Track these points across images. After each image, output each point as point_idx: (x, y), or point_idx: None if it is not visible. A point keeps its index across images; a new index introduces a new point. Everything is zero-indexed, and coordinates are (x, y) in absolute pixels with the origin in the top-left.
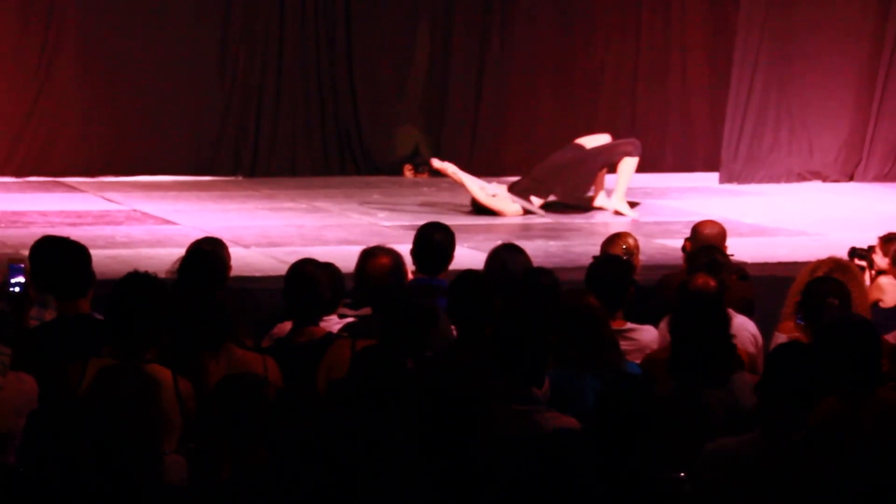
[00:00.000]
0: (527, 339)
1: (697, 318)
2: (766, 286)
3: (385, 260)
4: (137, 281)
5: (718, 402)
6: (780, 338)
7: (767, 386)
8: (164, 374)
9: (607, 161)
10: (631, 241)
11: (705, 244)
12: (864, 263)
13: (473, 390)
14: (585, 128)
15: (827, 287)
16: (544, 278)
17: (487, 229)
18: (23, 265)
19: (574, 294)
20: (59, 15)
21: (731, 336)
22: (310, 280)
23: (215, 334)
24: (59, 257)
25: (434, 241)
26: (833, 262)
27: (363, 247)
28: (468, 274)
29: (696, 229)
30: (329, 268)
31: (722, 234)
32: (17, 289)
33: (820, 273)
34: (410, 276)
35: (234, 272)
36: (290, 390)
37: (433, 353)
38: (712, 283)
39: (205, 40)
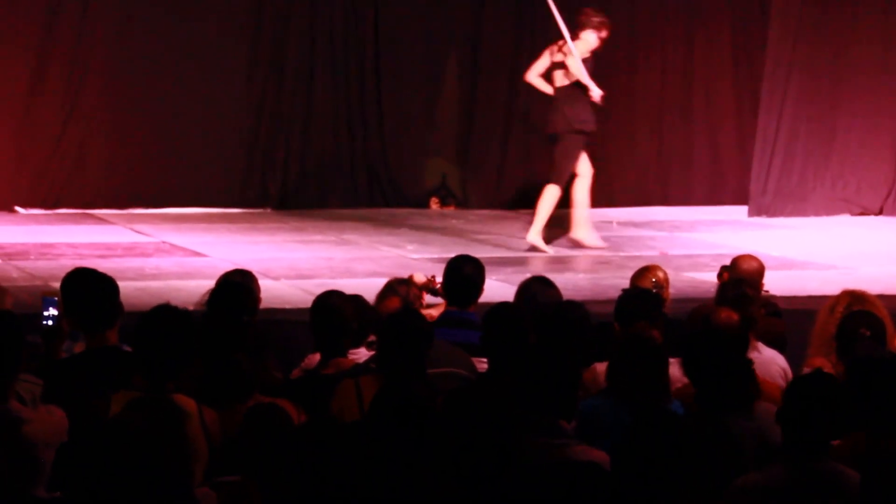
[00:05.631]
0: (556, 372)
1: (713, 349)
2: (795, 320)
3: (395, 302)
4: (166, 314)
5: (745, 433)
6: None
7: (788, 417)
8: (189, 404)
9: None
10: (661, 274)
11: (741, 278)
12: None
13: (504, 423)
14: (612, 160)
15: (858, 319)
16: (574, 311)
17: (517, 262)
18: (56, 298)
19: (639, 327)
20: (86, 47)
21: (750, 362)
22: (335, 312)
23: (240, 393)
24: (86, 289)
25: (464, 274)
26: (850, 296)
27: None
28: (502, 306)
29: (735, 263)
30: (355, 299)
31: (760, 270)
32: (49, 322)
33: (840, 308)
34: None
35: (263, 304)
36: (318, 422)
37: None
38: (735, 317)
39: (234, 72)
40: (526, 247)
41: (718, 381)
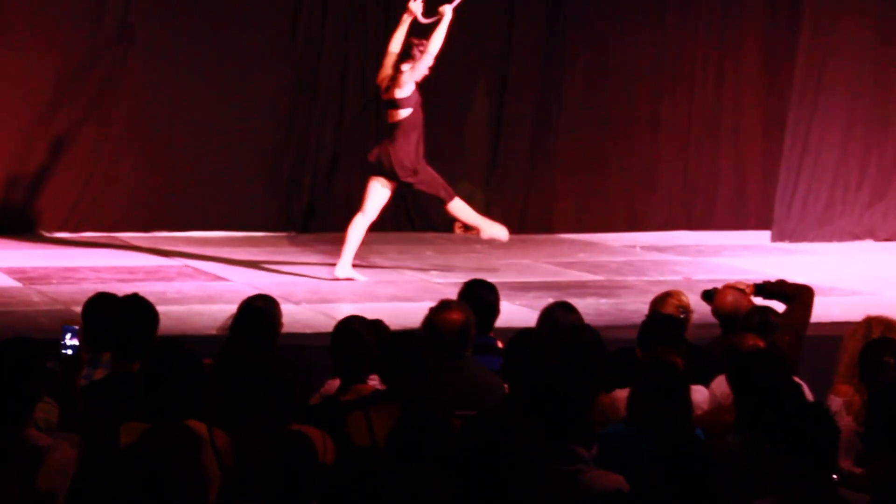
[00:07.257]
0: (568, 397)
1: (761, 378)
2: (818, 346)
3: (456, 315)
4: (170, 350)
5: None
6: (836, 402)
7: (783, 447)
8: (199, 428)
9: None
10: (685, 299)
11: (729, 313)
12: None
13: (519, 448)
14: (637, 185)
15: (882, 347)
16: (586, 335)
17: (541, 287)
18: (77, 327)
19: (660, 352)
20: (115, 71)
21: (801, 387)
22: (356, 337)
23: (284, 416)
24: (132, 319)
25: (481, 299)
26: (884, 323)
27: (415, 303)
28: (525, 333)
29: (716, 305)
30: (376, 324)
31: (737, 303)
32: (69, 351)
33: (875, 335)
34: None
35: (284, 329)
36: (337, 449)
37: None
38: (761, 343)
39: (261, 95)
40: (339, 278)
41: (768, 404)
